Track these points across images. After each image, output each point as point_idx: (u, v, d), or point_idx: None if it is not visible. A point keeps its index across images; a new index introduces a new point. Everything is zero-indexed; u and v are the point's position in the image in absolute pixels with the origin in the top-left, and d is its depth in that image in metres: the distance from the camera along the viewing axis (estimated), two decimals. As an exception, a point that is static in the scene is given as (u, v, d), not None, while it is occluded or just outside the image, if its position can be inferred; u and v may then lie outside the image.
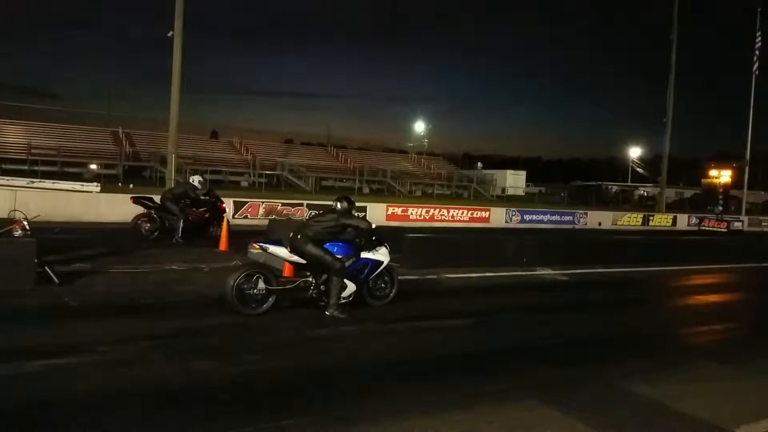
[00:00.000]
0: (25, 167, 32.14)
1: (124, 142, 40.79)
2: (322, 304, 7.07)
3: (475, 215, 24.15)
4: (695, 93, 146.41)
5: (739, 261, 14.92)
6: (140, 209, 12.84)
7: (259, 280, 6.79)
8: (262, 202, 19.27)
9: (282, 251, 7.14)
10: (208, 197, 13.08)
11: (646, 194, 51.77)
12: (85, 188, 18.63)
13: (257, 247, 7.30)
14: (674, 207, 41.55)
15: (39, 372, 4.83)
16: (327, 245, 7.05)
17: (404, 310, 7.84)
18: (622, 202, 48.68)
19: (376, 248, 7.51)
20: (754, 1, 34.02)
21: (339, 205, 7.24)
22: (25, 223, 7.90)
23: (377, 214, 20.79)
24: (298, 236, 6.97)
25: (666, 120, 34.25)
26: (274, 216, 17.39)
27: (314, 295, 7.13)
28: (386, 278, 7.82)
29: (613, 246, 15.41)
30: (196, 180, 13.00)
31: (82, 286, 7.91)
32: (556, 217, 26.80)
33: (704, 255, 15.00)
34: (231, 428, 3.98)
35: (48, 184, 18.81)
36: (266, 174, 39.23)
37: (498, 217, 24.81)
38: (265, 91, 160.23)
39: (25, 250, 7.54)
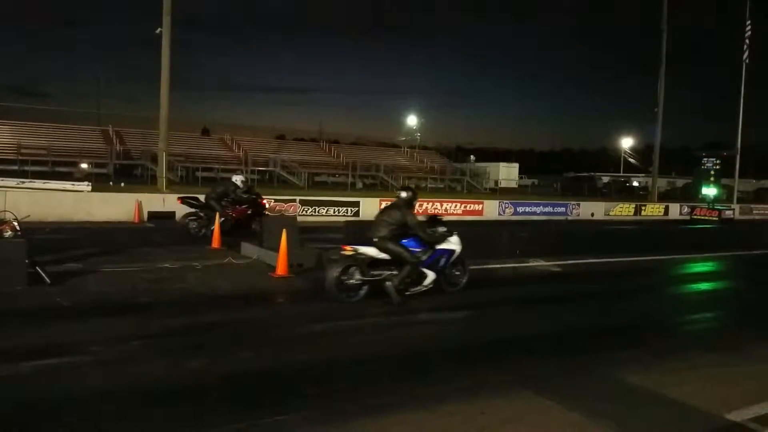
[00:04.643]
0: (15, 167, 31.90)
1: (114, 141, 40.56)
2: (407, 293, 7.61)
3: (468, 208, 24.17)
4: (687, 82, 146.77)
5: (730, 249, 15.00)
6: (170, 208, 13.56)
7: (356, 272, 7.43)
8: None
9: (372, 250, 7.57)
10: (248, 195, 13.70)
11: (638, 184, 51.95)
12: (76, 187, 18.52)
13: (349, 249, 7.63)
14: (666, 196, 41.74)
15: (32, 373, 4.81)
16: (403, 241, 7.58)
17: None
18: (615, 192, 48.83)
19: (447, 238, 8.00)
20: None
21: (403, 194, 7.96)
22: (16, 223, 7.84)
23: (370, 208, 20.75)
24: (378, 238, 7.53)
25: (657, 110, 34.33)
26: (267, 212, 17.31)
27: (392, 285, 7.51)
28: (459, 266, 8.37)
29: (606, 236, 15.49)
30: (238, 179, 13.72)
31: (74, 286, 7.87)
32: (549, 209, 26.85)
33: (696, 244, 15.10)
34: (225, 425, 3.98)
35: (38, 184, 18.69)
36: (258, 170, 39.10)
37: (491, 209, 24.83)
38: (257, 87, 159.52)
39: (15, 250, 7.49)
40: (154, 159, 26.62)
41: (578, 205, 27.91)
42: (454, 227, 8.57)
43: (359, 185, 41.04)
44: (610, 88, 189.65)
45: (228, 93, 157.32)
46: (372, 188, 39.97)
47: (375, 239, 7.50)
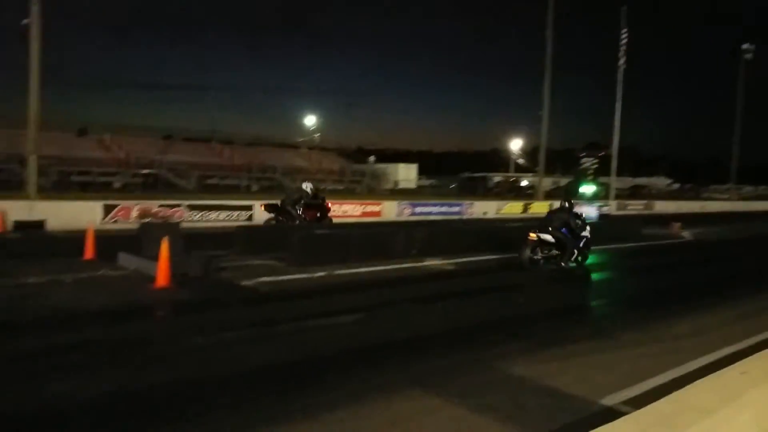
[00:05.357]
0: None
1: (-25, 144, 36.39)
2: (563, 265, 11.36)
3: (367, 209, 24.18)
4: (573, 85, 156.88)
5: (606, 243, 16.06)
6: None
7: (539, 251, 11.21)
8: (136, 204, 17.88)
9: (548, 236, 11.20)
10: (316, 200, 15.75)
11: (527, 183, 54.83)
12: (-74, 196, 16.35)
13: (534, 235, 11.17)
14: (552, 195, 44.35)
15: None
16: (562, 230, 11.30)
17: (291, 311, 7.65)
18: (506, 191, 51.23)
19: (586, 227, 11.80)
20: (620, 1, 36.86)
21: (566, 204, 11.75)
22: None
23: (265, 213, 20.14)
24: (552, 228, 11.28)
25: (542, 113, 36.26)
26: (149, 219, 16.21)
27: (557, 257, 11.40)
28: (585, 247, 11.88)
29: (496, 234, 16.03)
30: (307, 187, 15.75)
31: None
32: (445, 208, 27.56)
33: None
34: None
35: None
36: (142, 173, 36.56)
37: (390, 210, 25.03)
38: (144, 84, 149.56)
39: None
40: (23, 162, 24.13)
41: (472, 204, 28.90)
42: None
43: (255, 188, 39.77)
44: (505, 90, 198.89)
45: (110, 90, 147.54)
46: (269, 191, 38.91)
47: (551, 228, 11.26)
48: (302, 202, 15.26)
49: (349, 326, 7.16)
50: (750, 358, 3.23)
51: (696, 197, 52.83)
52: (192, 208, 18.37)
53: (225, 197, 22.54)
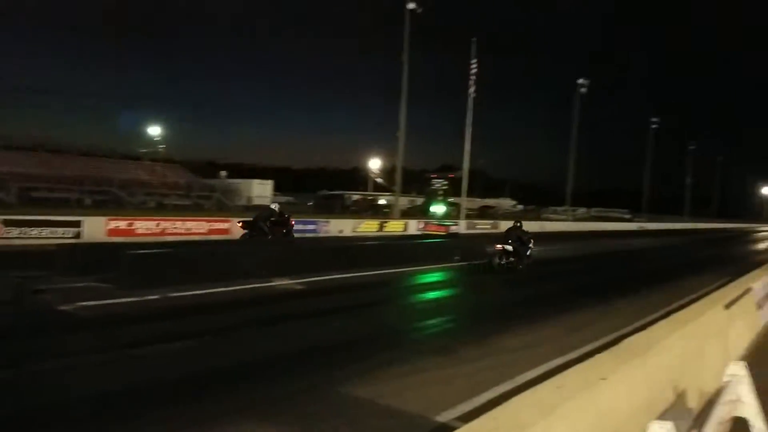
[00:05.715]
0: None
1: None
2: (520, 267, 15.15)
3: (214, 227, 22.88)
4: (427, 109, 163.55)
5: (453, 261, 16.78)
6: None
7: (504, 258, 15.02)
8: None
9: (509, 247, 14.98)
10: (282, 217, 17.77)
11: (385, 202, 56.30)
12: None
13: (500, 246, 15.01)
14: (407, 213, 45.90)
15: None
16: (517, 242, 15.09)
17: (113, 339, 6.87)
18: (364, 210, 52.09)
19: (531, 239, 15.76)
20: (471, 32, 39.52)
21: (518, 224, 15.93)
22: None
23: (95, 229, 18.23)
24: (511, 240, 15.20)
25: (399, 135, 37.50)
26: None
27: (515, 262, 15.13)
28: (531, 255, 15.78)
29: (351, 252, 16.05)
30: (276, 206, 18.42)
31: None
32: (300, 226, 27.08)
33: (425, 256, 16.57)
34: None
35: None
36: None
37: (239, 228, 23.99)
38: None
39: None
40: None
41: (328, 222, 28.83)
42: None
43: (88, 202, 36.19)
44: (367, 109, 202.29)
45: None
46: (104, 205, 35.57)
47: (510, 241, 15.12)
48: (271, 219, 17.28)
49: (180, 354, 6.56)
50: (566, 371, 3.33)
51: (536, 218, 57.69)
52: (9, 223, 16.13)
53: (51, 212, 20.10)
